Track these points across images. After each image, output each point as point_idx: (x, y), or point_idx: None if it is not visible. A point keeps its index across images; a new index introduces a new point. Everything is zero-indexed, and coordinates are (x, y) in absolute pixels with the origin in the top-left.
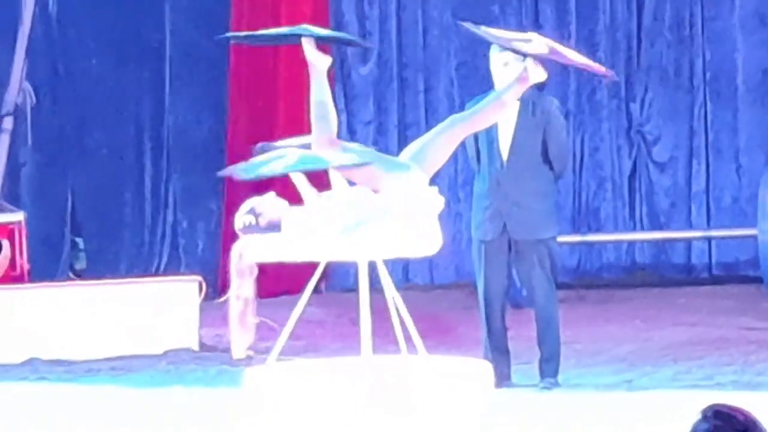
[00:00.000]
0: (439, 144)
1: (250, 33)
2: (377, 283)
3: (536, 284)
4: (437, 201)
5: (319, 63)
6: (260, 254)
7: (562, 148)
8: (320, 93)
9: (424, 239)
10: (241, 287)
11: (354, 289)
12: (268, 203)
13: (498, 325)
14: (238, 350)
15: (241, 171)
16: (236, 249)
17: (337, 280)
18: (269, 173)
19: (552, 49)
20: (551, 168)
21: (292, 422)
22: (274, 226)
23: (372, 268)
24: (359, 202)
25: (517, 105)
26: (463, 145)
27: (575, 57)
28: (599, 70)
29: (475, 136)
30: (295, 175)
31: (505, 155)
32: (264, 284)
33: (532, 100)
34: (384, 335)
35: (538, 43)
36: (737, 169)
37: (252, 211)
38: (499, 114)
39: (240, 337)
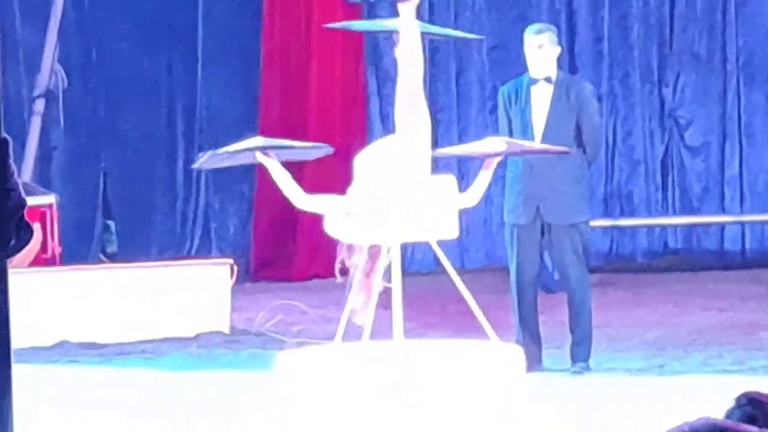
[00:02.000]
0: None
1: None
2: (411, 267)
3: (569, 268)
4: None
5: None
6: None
7: (596, 132)
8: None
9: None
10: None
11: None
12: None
13: (530, 309)
14: (359, 317)
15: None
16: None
17: None
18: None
19: (511, 145)
20: (584, 152)
21: (323, 406)
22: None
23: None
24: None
25: (551, 89)
26: (495, 128)
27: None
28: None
29: (509, 119)
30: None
31: (538, 139)
32: (296, 268)
33: (566, 84)
34: (416, 320)
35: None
36: None
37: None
38: None
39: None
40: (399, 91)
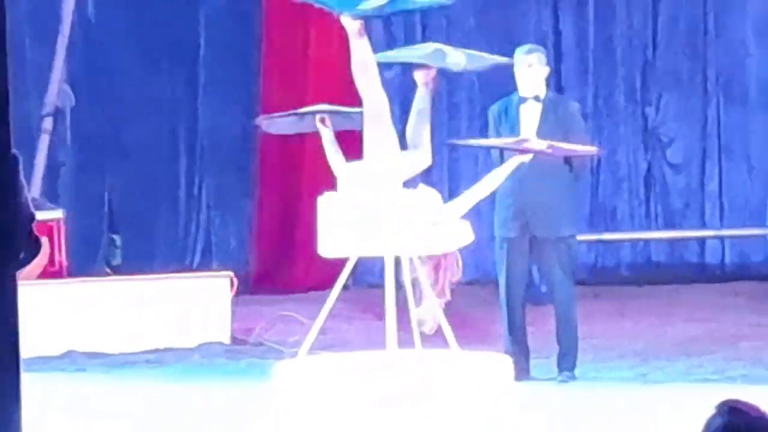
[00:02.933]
0: None
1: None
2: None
3: (556, 281)
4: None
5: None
6: None
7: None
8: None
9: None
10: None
11: (380, 285)
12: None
13: (518, 320)
14: (426, 326)
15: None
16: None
17: (364, 276)
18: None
19: (549, 145)
20: (571, 168)
21: (319, 414)
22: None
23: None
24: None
25: (539, 107)
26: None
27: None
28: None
29: (499, 136)
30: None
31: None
32: (294, 280)
33: (554, 103)
34: (408, 330)
35: (535, 142)
36: (749, 170)
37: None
38: None
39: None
40: (364, 110)
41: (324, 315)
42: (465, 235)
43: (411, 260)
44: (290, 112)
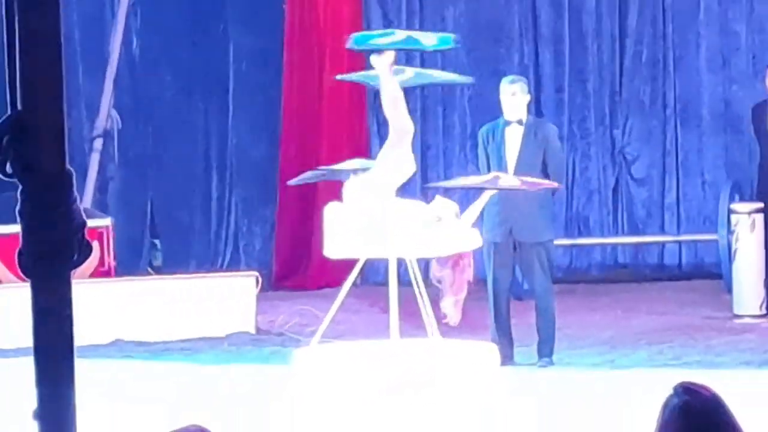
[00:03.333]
0: None
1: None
2: (404, 278)
3: (536, 279)
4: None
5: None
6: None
7: (559, 166)
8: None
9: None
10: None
11: (384, 283)
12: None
13: (503, 313)
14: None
15: (353, 42)
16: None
17: (370, 275)
18: (378, 46)
19: (521, 181)
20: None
21: (330, 396)
22: None
23: (399, 264)
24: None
25: (522, 130)
26: (475, 163)
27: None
28: (549, 185)
29: (487, 155)
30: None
31: (511, 171)
32: (310, 279)
33: (534, 126)
34: (409, 322)
35: (506, 178)
36: (702, 184)
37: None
38: None
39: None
40: (390, 133)
41: (335, 308)
42: (474, 240)
43: (433, 261)
44: (322, 169)
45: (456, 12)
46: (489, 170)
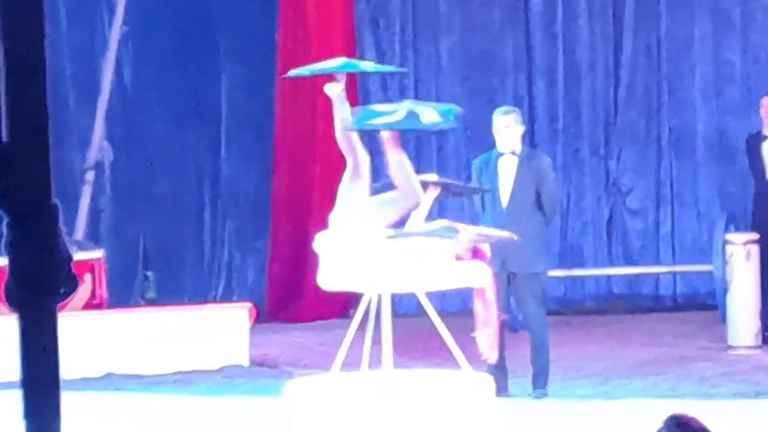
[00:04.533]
0: None
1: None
2: (399, 310)
3: (530, 311)
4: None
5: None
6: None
7: (553, 197)
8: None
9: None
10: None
11: (377, 314)
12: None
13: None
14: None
15: (354, 123)
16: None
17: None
18: (376, 126)
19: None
20: (543, 213)
21: (326, 427)
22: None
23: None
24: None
25: (516, 161)
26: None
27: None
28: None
29: (481, 185)
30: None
31: (505, 202)
32: (303, 311)
33: (528, 157)
34: (404, 354)
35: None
36: (697, 215)
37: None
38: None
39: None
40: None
41: (348, 340)
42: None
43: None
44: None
45: (449, 43)
46: (483, 202)
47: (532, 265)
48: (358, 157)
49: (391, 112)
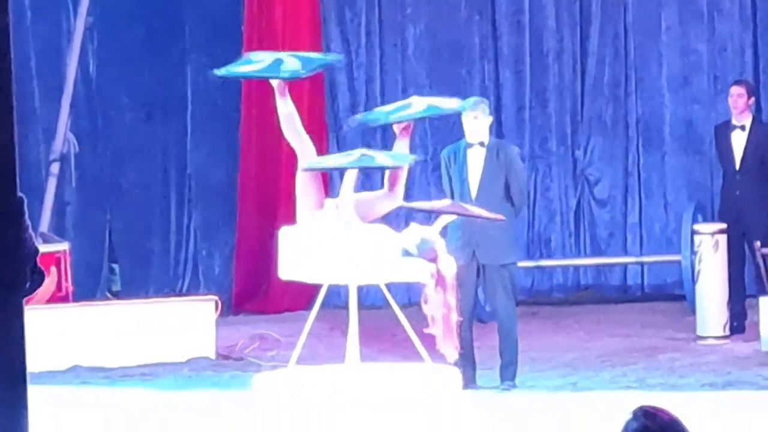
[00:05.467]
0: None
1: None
2: (366, 302)
3: (499, 302)
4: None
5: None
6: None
7: (522, 187)
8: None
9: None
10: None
11: (345, 306)
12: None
13: (466, 336)
14: (452, 354)
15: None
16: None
17: (331, 298)
18: (239, 74)
19: (454, 204)
20: (512, 204)
21: (292, 419)
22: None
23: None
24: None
25: (484, 152)
26: (436, 184)
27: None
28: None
29: (449, 177)
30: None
31: (474, 193)
32: (270, 303)
33: (496, 148)
34: (370, 346)
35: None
36: (665, 205)
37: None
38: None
39: (450, 343)
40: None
41: (305, 333)
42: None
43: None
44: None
45: (416, 32)
46: (452, 192)
47: (503, 257)
48: (303, 147)
49: (259, 61)
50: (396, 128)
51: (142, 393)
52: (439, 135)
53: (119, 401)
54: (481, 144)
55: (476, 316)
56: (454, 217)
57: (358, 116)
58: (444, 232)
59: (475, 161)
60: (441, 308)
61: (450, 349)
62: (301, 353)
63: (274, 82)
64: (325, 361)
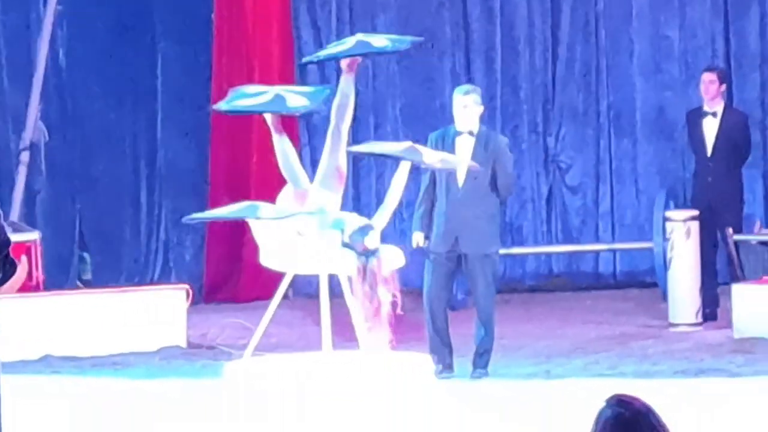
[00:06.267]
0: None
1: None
2: (337, 290)
3: (480, 291)
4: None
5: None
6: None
7: (509, 178)
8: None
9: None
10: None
11: (316, 295)
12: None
13: (442, 323)
14: (380, 346)
15: (221, 105)
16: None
17: (302, 287)
18: (243, 108)
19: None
20: (498, 194)
21: (263, 407)
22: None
23: (331, 277)
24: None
25: (473, 141)
26: (417, 173)
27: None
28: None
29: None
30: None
31: (460, 183)
32: (241, 291)
33: (485, 137)
34: (342, 335)
35: (425, 152)
36: (636, 191)
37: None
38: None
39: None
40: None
41: (265, 322)
42: (397, 259)
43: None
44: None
45: (386, 20)
46: (434, 184)
47: (486, 246)
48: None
49: (257, 94)
50: (342, 64)
51: (113, 382)
52: (409, 122)
53: (90, 390)
54: (471, 133)
55: (449, 303)
56: (396, 199)
57: (306, 58)
58: (428, 220)
59: (464, 149)
60: (366, 301)
61: (379, 340)
62: (270, 342)
63: (270, 118)
64: (297, 350)
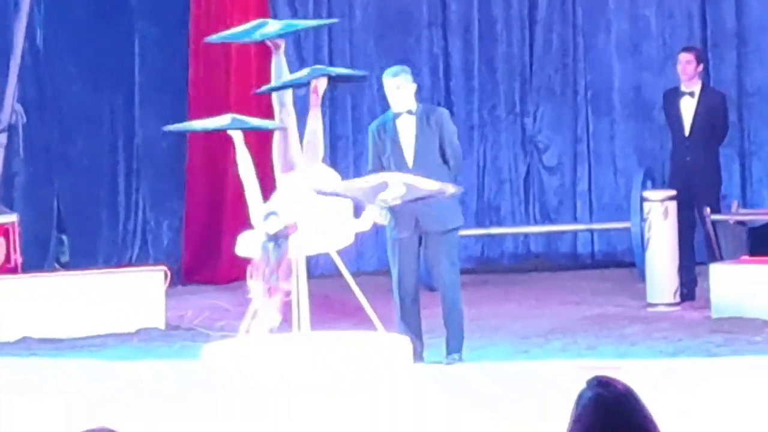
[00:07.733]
0: None
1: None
2: (316, 271)
3: (443, 270)
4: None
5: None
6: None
7: (456, 150)
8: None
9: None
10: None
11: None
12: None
13: (412, 310)
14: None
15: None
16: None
17: None
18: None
19: (407, 185)
20: (449, 168)
21: (242, 389)
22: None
23: (308, 259)
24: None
25: (414, 119)
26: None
27: (427, 185)
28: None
29: (381, 151)
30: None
31: (410, 161)
32: (219, 273)
33: (426, 113)
34: (319, 315)
35: (394, 183)
36: (614, 172)
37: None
38: None
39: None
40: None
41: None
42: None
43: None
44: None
45: (364, 0)
46: (382, 165)
47: (446, 222)
48: (251, 193)
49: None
50: (310, 99)
51: (91, 364)
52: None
53: (68, 372)
54: (410, 112)
55: (424, 284)
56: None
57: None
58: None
59: (406, 130)
60: (263, 283)
61: (269, 318)
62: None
63: (234, 134)
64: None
